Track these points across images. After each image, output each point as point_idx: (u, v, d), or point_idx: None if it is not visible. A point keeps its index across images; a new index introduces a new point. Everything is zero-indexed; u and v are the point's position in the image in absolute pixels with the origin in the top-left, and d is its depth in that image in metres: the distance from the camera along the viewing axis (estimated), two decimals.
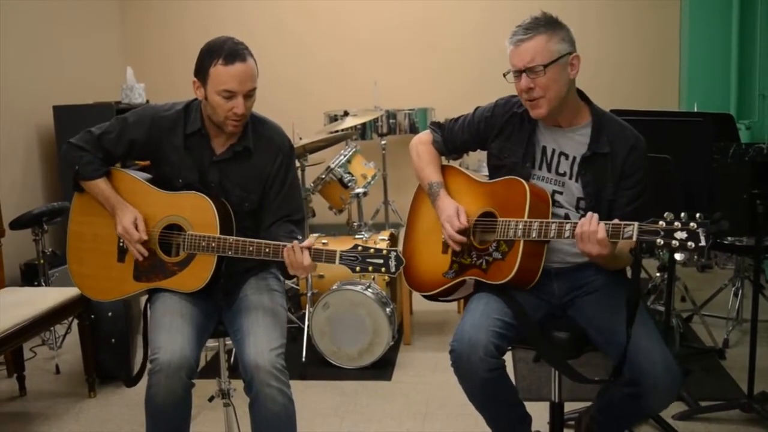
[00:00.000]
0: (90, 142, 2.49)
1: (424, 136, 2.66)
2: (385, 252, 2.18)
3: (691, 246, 1.95)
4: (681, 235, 1.96)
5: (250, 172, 2.50)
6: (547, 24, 2.26)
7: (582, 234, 2.11)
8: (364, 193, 4.27)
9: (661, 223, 1.99)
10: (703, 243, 1.94)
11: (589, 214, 2.14)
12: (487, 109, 2.54)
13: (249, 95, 2.37)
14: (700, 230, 1.94)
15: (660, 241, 1.99)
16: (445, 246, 2.49)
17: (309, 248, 2.22)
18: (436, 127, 2.65)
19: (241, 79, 2.33)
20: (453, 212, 2.42)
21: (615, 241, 2.08)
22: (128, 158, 2.57)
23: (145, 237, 2.43)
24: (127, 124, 2.50)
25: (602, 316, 2.29)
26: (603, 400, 2.41)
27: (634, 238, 2.04)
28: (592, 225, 2.10)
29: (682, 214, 1.97)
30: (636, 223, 2.04)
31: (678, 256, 2.00)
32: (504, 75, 2.35)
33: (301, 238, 2.43)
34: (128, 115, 2.53)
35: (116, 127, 2.51)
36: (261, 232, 2.50)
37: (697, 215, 1.96)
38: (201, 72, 2.38)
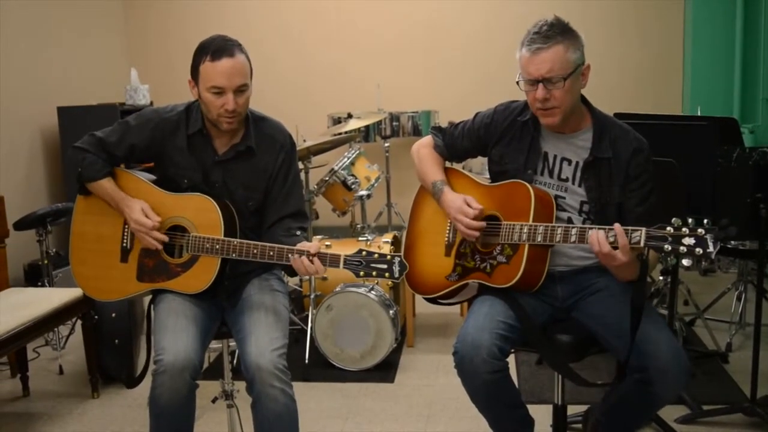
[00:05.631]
0: (93, 145, 2.50)
1: (426, 140, 2.67)
2: (389, 257, 2.19)
3: (699, 252, 1.95)
4: (689, 241, 1.96)
5: (254, 171, 2.51)
6: (563, 32, 2.24)
7: (599, 254, 2.12)
8: (368, 196, 4.27)
9: (668, 228, 1.99)
10: (711, 249, 1.93)
11: (594, 238, 2.12)
12: (486, 116, 2.54)
13: (240, 91, 2.36)
14: (708, 236, 1.94)
15: (668, 247, 1.99)
16: (448, 249, 2.50)
17: (317, 255, 2.23)
18: (437, 131, 2.66)
19: (228, 75, 2.33)
20: (461, 203, 2.41)
21: (635, 246, 2.07)
22: (130, 161, 2.57)
23: (158, 221, 2.42)
24: (129, 127, 2.52)
25: (609, 312, 2.29)
26: (609, 401, 2.40)
27: (642, 244, 2.04)
28: (603, 246, 2.10)
29: (690, 220, 1.97)
30: (643, 229, 2.04)
31: (685, 262, 1.99)
32: (517, 82, 2.33)
33: (300, 233, 2.44)
34: (131, 118, 2.54)
35: (118, 130, 2.52)
36: (262, 231, 2.51)
37: (705, 221, 1.95)
38: (193, 71, 2.40)
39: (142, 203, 2.45)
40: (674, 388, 2.21)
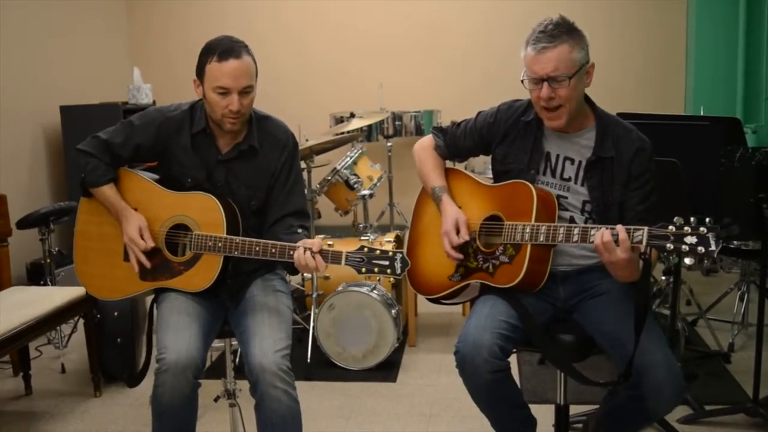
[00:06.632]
0: (96, 147, 2.50)
1: (427, 140, 2.67)
2: (390, 254, 2.19)
3: (701, 251, 1.94)
4: (691, 239, 1.96)
5: (257, 171, 2.51)
6: (569, 31, 2.24)
7: (597, 247, 2.11)
8: (370, 195, 4.27)
9: (670, 227, 1.99)
10: (713, 248, 1.93)
11: (599, 233, 2.12)
12: (489, 115, 2.53)
13: (245, 92, 2.37)
14: (710, 235, 1.94)
15: (670, 245, 1.99)
16: None
17: (319, 252, 2.23)
18: (438, 131, 2.65)
19: (234, 76, 2.34)
20: (451, 226, 2.41)
21: (636, 245, 2.06)
22: (135, 161, 2.57)
23: (150, 245, 2.43)
24: (133, 127, 2.52)
25: (608, 320, 2.29)
26: (609, 404, 2.41)
27: (644, 243, 2.04)
28: (605, 237, 2.09)
29: (692, 219, 1.96)
30: (646, 228, 2.04)
31: (687, 260, 1.98)
32: (521, 81, 2.33)
33: (301, 231, 2.45)
34: (134, 118, 2.54)
35: (122, 131, 2.52)
36: (264, 229, 2.51)
37: (707, 220, 1.95)
38: (199, 70, 2.40)
39: (141, 221, 2.45)
40: (668, 405, 2.22)
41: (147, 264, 2.43)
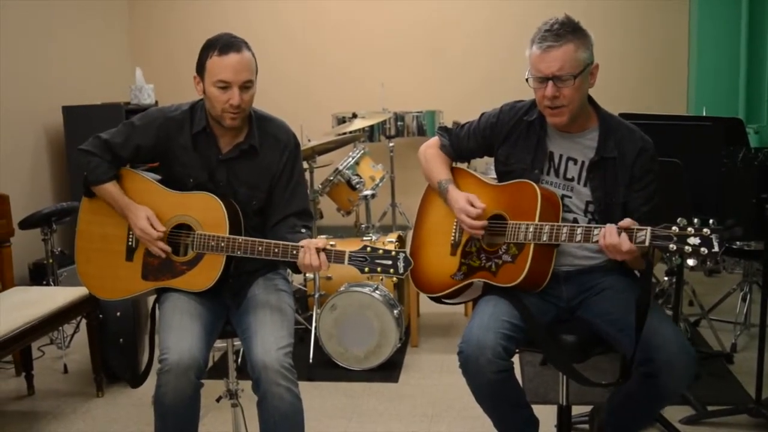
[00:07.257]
0: (98, 147, 2.51)
1: (433, 141, 2.68)
2: (393, 253, 2.20)
3: (704, 252, 1.95)
4: (694, 240, 1.96)
5: (258, 170, 2.51)
6: (575, 31, 2.25)
7: (607, 247, 2.12)
8: (372, 195, 4.27)
9: (674, 228, 1.99)
10: (716, 249, 1.94)
11: (604, 228, 2.12)
12: (492, 115, 2.54)
13: (245, 87, 2.38)
14: (713, 236, 1.94)
15: (673, 246, 1.99)
16: (454, 248, 2.50)
17: (323, 249, 2.23)
18: (444, 132, 2.66)
19: (235, 69, 2.35)
20: (464, 202, 2.42)
21: (641, 246, 2.07)
22: (136, 161, 2.58)
23: (162, 230, 2.43)
24: (133, 128, 2.52)
25: (613, 308, 2.29)
26: (616, 399, 2.40)
27: (647, 243, 2.04)
28: (613, 239, 2.09)
29: (695, 220, 1.97)
30: (649, 228, 2.04)
31: (690, 262, 2.00)
32: (526, 80, 2.33)
33: (304, 231, 2.45)
34: (135, 119, 2.55)
35: (123, 131, 2.53)
36: (266, 230, 2.51)
37: (711, 221, 1.96)
38: (200, 66, 2.42)
39: (147, 211, 2.45)
40: (681, 380, 2.20)
41: (168, 248, 2.43)
